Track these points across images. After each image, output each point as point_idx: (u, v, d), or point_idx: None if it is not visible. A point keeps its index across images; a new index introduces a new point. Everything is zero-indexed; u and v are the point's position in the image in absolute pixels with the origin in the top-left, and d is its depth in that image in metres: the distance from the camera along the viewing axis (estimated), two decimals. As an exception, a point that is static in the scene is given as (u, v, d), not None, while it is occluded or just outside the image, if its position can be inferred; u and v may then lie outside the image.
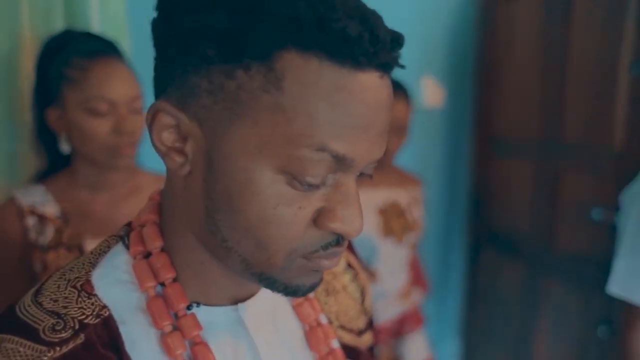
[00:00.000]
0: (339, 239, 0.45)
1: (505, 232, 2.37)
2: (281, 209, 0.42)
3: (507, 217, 2.36)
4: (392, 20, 1.71)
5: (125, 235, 0.53)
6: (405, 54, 1.63)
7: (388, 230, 1.53)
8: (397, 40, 0.42)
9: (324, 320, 0.58)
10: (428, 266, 2.41)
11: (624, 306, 1.01)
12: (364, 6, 0.42)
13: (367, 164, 0.44)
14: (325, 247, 0.45)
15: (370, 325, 0.65)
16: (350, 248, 0.69)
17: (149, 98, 1.02)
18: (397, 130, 1.49)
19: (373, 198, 1.53)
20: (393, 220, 1.55)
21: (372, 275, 1.54)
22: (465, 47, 2.36)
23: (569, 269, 2.08)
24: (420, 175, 1.81)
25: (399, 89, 1.49)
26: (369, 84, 0.41)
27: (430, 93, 2.16)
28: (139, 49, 1.26)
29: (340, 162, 0.42)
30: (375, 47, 0.41)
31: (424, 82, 2.15)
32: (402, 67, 0.44)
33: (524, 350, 2.37)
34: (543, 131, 2.15)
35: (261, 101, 0.41)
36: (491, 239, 2.44)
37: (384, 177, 1.57)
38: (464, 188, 2.51)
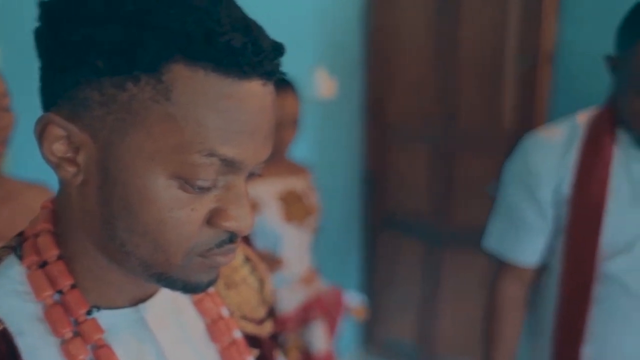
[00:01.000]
0: (232, 237, 0.48)
1: (404, 213, 2.52)
2: (176, 212, 0.45)
3: (406, 200, 2.51)
4: (285, 15, 1.74)
5: (18, 245, 0.52)
6: (297, 47, 1.65)
7: (290, 216, 1.59)
8: (278, 49, 0.46)
9: (225, 313, 0.60)
10: (328, 252, 2.49)
11: (496, 260, 1.17)
12: (247, 18, 0.46)
13: (255, 165, 0.48)
14: (220, 245, 0.48)
15: (270, 313, 0.68)
16: (247, 242, 0.71)
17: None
18: (289, 124, 1.53)
19: (272, 187, 1.58)
20: (293, 206, 1.60)
21: (278, 262, 1.58)
22: (355, 37, 2.43)
23: (467, 241, 2.26)
24: (314, 165, 1.87)
25: (287, 84, 1.53)
26: (254, 91, 0.45)
27: (322, 84, 2.22)
28: (6, 49, 1.19)
29: (230, 165, 0.45)
30: (259, 57, 0.44)
31: (316, 74, 2.21)
32: (283, 74, 0.47)
33: (428, 324, 2.55)
34: (437, 117, 2.32)
35: (152, 111, 0.43)
36: (389, 221, 2.58)
37: (279, 168, 1.62)
38: (360, 174, 2.60)
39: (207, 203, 0.46)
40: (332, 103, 2.35)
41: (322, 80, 2.23)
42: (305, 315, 1.67)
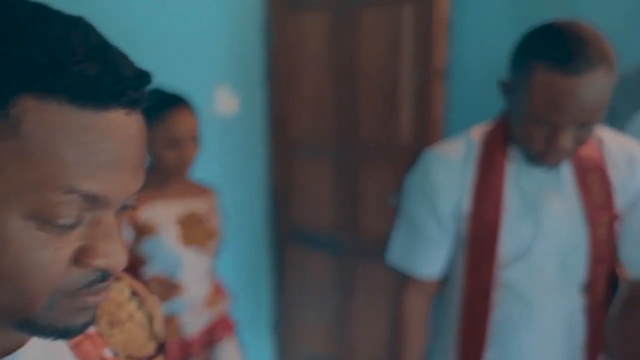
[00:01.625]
0: (103, 275, 0.45)
1: (310, 227, 2.53)
2: (36, 254, 0.41)
3: (311, 214, 2.52)
4: (186, 33, 1.70)
5: None
6: (198, 65, 1.64)
7: (189, 239, 1.54)
8: (142, 77, 0.44)
9: (108, 354, 0.56)
10: (237, 270, 2.46)
11: (399, 274, 1.20)
12: (107, 45, 0.43)
13: (124, 198, 0.45)
14: (90, 285, 0.44)
15: (160, 349, 0.65)
16: (135, 274, 0.68)
17: None
18: (188, 142, 1.49)
19: (171, 209, 1.52)
20: (193, 229, 1.55)
21: (177, 287, 1.52)
22: (256, 54, 2.42)
23: (375, 251, 2.28)
24: (219, 182, 1.83)
25: (182, 102, 1.49)
26: (117, 122, 0.42)
27: (223, 102, 2.19)
28: None
29: (94, 201, 0.42)
30: (120, 86, 0.41)
31: (217, 92, 2.17)
32: (145, 104, 0.45)
33: (340, 335, 2.56)
34: (339, 131, 2.36)
35: (3, 148, 0.39)
36: (297, 236, 2.57)
37: (179, 189, 1.56)
38: (265, 190, 2.58)
39: (72, 241, 0.42)
40: (235, 120, 2.33)
41: (222, 97, 2.20)
42: (210, 338, 1.62)
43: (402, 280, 1.17)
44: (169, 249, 1.49)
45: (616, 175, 1.03)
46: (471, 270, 1.06)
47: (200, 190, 1.66)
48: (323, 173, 2.44)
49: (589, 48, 0.85)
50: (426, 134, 2.09)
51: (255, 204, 2.57)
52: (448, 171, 1.06)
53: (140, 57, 0.49)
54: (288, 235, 2.60)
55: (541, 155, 0.95)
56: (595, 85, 0.85)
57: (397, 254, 1.16)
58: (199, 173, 1.73)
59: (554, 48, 0.86)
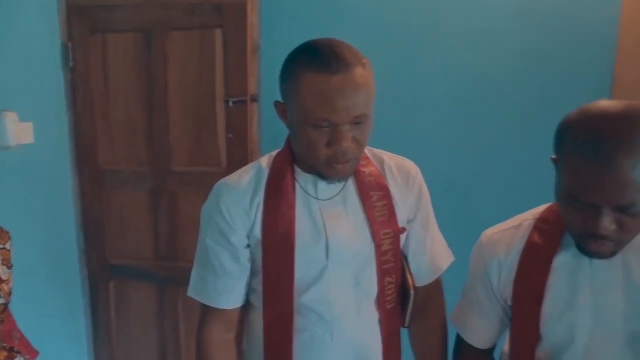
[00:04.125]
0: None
1: (128, 260, 2.40)
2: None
3: (129, 246, 2.38)
4: None
5: None
6: None
7: None
8: None
9: None
10: (51, 315, 2.22)
11: (200, 306, 1.17)
12: None
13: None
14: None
15: None
16: None
17: None
18: None
19: None
20: None
21: None
22: (54, 78, 2.22)
23: None
24: (21, 219, 1.64)
25: None
26: None
27: (18, 131, 1.97)
28: None
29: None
30: None
31: (7, 120, 1.95)
32: None
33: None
34: (152, 161, 2.28)
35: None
36: (113, 270, 2.42)
37: None
38: (75, 223, 2.38)
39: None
40: (31, 149, 2.10)
41: (16, 126, 1.97)
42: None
43: (202, 312, 1.13)
44: None
45: (396, 192, 1.10)
46: (270, 297, 1.08)
47: None
48: (138, 203, 2.34)
49: (343, 52, 0.95)
50: (242, 159, 2.11)
51: (66, 240, 2.36)
52: (238, 200, 1.06)
53: None
54: (105, 270, 2.43)
55: (327, 163, 0.99)
56: (357, 80, 0.94)
57: (196, 287, 1.13)
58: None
59: (317, 57, 0.95)
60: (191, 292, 1.14)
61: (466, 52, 2.09)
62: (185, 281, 2.32)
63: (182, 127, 2.23)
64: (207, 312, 1.13)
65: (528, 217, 1.05)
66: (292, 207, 1.05)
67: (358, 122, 0.97)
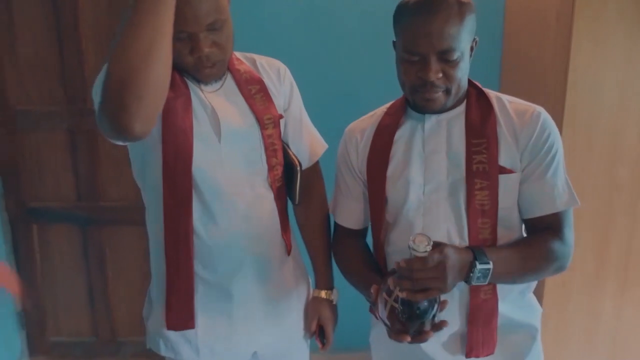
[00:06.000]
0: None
1: (48, 202, 2.39)
2: None
3: (47, 187, 2.37)
4: None
5: None
6: None
7: None
8: None
9: None
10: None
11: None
12: None
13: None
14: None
15: None
16: None
17: None
18: None
19: None
20: None
21: None
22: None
23: (120, 217, 2.36)
24: None
25: None
26: None
27: None
28: None
29: None
30: None
31: None
32: None
33: (102, 307, 2.52)
34: (67, 100, 2.24)
35: None
36: (34, 212, 2.41)
37: None
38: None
39: None
40: None
41: None
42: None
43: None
44: None
45: (269, 84, 1.25)
46: (168, 179, 1.15)
47: None
48: (55, 143, 2.32)
49: None
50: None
51: None
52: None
53: None
54: (24, 213, 2.41)
55: (195, 69, 1.12)
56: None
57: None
58: None
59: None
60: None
61: None
62: (108, 221, 2.38)
63: (96, 61, 2.19)
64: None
65: (382, 108, 1.26)
66: (186, 95, 1.15)
67: (213, 27, 1.07)
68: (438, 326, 1.01)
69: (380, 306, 1.03)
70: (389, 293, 1.00)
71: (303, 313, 1.39)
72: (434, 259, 0.96)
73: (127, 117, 0.91)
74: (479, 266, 1.00)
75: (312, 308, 1.39)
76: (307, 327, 1.39)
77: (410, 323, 0.98)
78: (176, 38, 1.03)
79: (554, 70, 1.73)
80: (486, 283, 1.04)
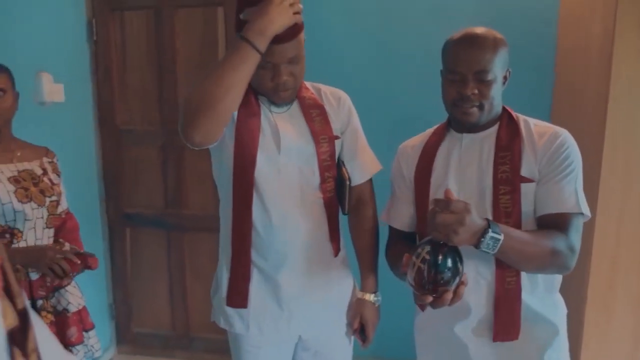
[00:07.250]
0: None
1: (141, 208, 2.71)
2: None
3: (141, 197, 2.70)
4: (9, 27, 1.80)
5: None
6: (22, 54, 1.75)
7: (27, 196, 1.62)
8: None
9: None
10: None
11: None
12: None
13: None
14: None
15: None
16: None
17: None
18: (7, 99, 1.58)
19: (5, 170, 1.61)
20: (31, 187, 1.64)
21: (18, 234, 1.62)
22: (81, 48, 2.54)
23: (201, 225, 2.60)
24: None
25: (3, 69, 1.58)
26: None
27: (49, 89, 2.28)
28: None
29: None
30: None
31: (44, 80, 2.25)
32: None
33: (180, 305, 2.76)
34: (162, 122, 2.60)
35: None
36: (127, 218, 2.73)
37: (17, 152, 1.66)
38: (96, 175, 2.69)
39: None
40: (62, 107, 2.40)
41: (46, 84, 2.29)
42: (52, 280, 1.69)
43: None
44: (8, 204, 1.56)
45: (330, 110, 1.44)
46: (238, 182, 1.36)
47: (36, 150, 1.73)
48: (150, 159, 2.64)
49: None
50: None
51: (87, 190, 2.66)
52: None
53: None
54: (119, 219, 2.74)
55: (273, 92, 1.33)
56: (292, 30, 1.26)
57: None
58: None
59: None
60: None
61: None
62: (189, 227, 2.67)
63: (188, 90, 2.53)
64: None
65: (429, 130, 1.43)
66: (257, 114, 1.37)
67: (292, 61, 1.29)
68: (458, 294, 1.09)
69: (409, 271, 1.10)
70: (417, 256, 1.08)
71: (345, 311, 1.52)
72: (458, 205, 1.06)
73: (191, 130, 1.21)
74: (490, 233, 1.08)
75: (355, 308, 1.51)
76: (349, 324, 1.52)
77: (434, 281, 1.06)
78: (261, 66, 1.25)
79: (596, 101, 1.84)
80: (494, 253, 1.11)
